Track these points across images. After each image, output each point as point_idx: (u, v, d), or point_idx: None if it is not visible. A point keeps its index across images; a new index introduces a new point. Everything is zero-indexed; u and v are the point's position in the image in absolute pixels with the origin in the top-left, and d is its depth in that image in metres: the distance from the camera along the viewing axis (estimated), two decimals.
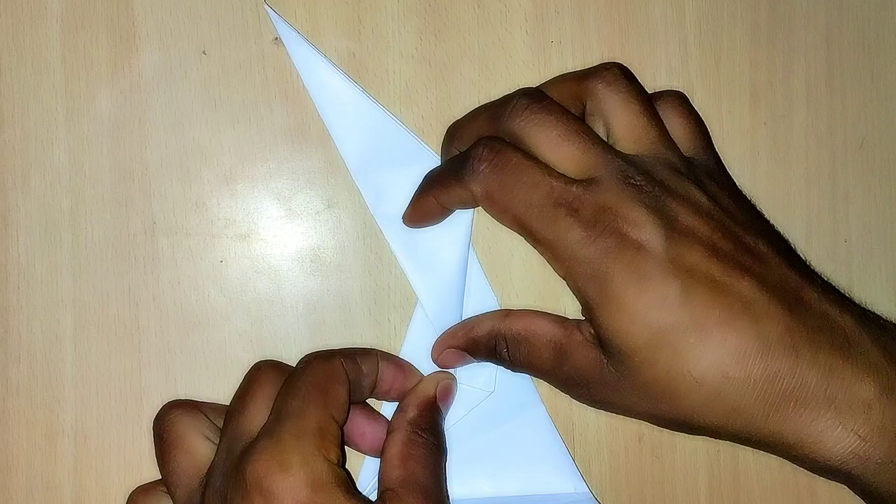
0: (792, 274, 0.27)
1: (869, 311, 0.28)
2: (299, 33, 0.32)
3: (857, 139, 0.35)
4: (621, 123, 0.28)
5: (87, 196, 0.32)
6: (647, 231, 0.26)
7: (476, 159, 0.28)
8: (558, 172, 0.27)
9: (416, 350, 0.32)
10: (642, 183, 0.27)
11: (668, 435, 0.34)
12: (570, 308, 0.34)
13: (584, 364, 0.28)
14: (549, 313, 0.30)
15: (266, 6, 0.32)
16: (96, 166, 0.32)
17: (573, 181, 0.27)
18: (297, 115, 0.33)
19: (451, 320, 0.32)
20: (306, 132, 0.33)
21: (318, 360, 0.28)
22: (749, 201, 0.30)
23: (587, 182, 0.27)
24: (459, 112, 0.33)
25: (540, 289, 0.34)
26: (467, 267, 0.33)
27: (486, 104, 0.31)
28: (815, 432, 0.25)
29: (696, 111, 0.31)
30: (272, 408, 0.27)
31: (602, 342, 0.27)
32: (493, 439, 0.33)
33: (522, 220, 0.27)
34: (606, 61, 0.30)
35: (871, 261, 0.35)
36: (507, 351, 0.30)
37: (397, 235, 0.32)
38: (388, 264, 0.33)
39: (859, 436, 0.25)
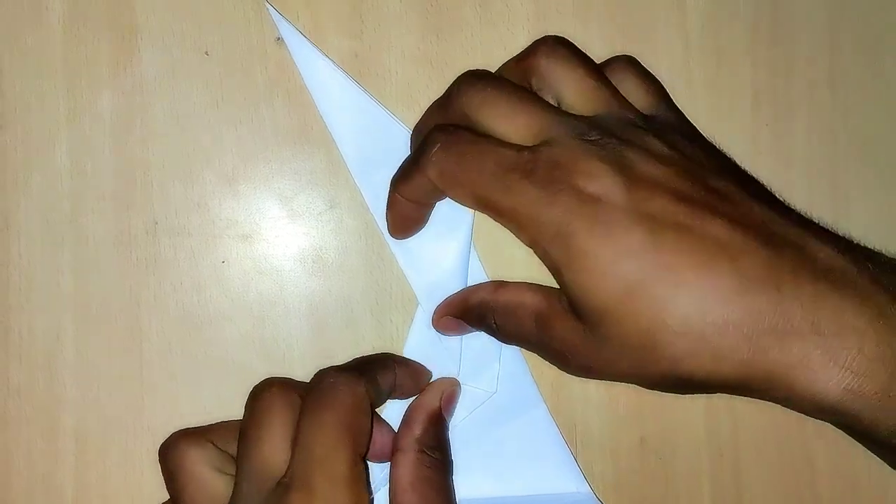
0: (765, 210, 0.26)
1: (854, 241, 0.27)
2: (301, 33, 0.32)
3: (858, 139, 0.35)
4: (570, 90, 0.27)
5: (89, 196, 0.32)
6: (605, 182, 0.25)
7: (428, 144, 0.27)
8: (510, 143, 0.27)
9: (418, 352, 0.32)
10: (596, 137, 0.26)
11: (671, 436, 0.34)
12: None
13: (565, 332, 0.27)
14: (539, 285, 0.29)
15: (268, 5, 0.32)
16: (98, 167, 0.32)
17: (524, 147, 0.26)
18: (299, 116, 0.33)
19: None
20: (308, 133, 0.33)
21: (342, 389, 0.26)
22: (716, 148, 0.29)
23: (540, 145, 0.26)
24: None
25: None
26: (468, 269, 0.33)
27: (438, 98, 0.30)
28: (805, 369, 0.23)
29: (650, 72, 0.30)
30: (296, 442, 0.25)
31: (575, 306, 0.26)
32: (496, 440, 0.33)
33: (480, 194, 0.26)
34: (543, 35, 0.29)
35: None
36: (496, 322, 0.29)
37: (399, 244, 0.32)
38: (390, 265, 0.33)
39: (852, 370, 0.23)
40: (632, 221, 0.24)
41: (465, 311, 0.31)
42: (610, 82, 0.28)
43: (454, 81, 0.29)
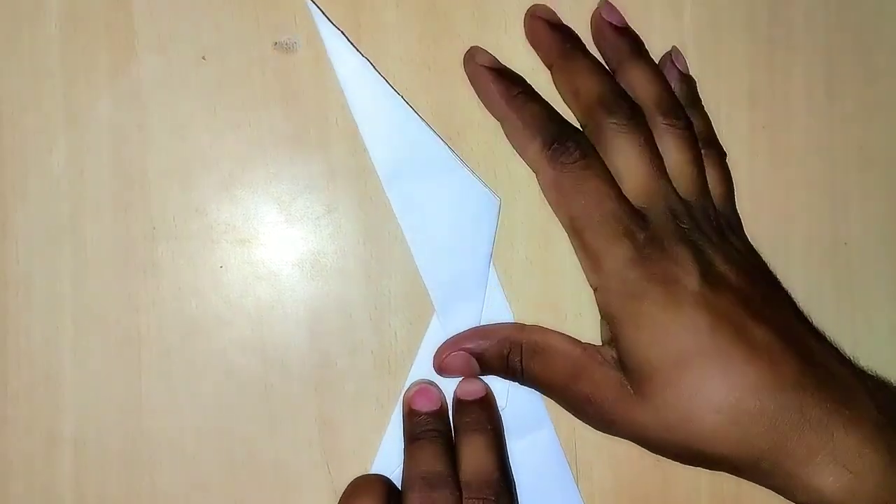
0: (800, 326, 0.30)
1: (866, 370, 0.32)
2: (339, 29, 0.32)
3: (856, 143, 0.35)
4: (676, 166, 0.31)
5: (87, 202, 0.32)
6: (687, 269, 0.29)
7: (565, 151, 0.30)
8: (621, 191, 0.30)
9: (429, 364, 0.32)
10: (688, 227, 0.30)
11: None
12: (570, 313, 0.34)
13: (601, 382, 0.29)
14: (565, 335, 0.31)
15: (309, 2, 0.31)
16: (95, 172, 0.32)
17: (634, 207, 0.29)
18: (297, 121, 0.33)
19: None
20: (306, 137, 0.33)
21: None
22: (759, 256, 0.33)
23: (644, 210, 0.30)
24: (459, 117, 0.33)
25: (540, 292, 0.34)
26: (487, 280, 0.33)
27: (599, 68, 0.32)
28: (813, 464, 0.27)
29: (698, 147, 0.32)
30: None
31: (624, 360, 0.29)
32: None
33: (580, 224, 0.29)
34: (662, 97, 0.32)
35: (871, 263, 0.35)
36: (521, 361, 0.31)
37: (421, 245, 0.32)
38: (389, 269, 0.33)
39: (851, 471, 0.27)
40: (700, 307, 0.28)
41: (484, 349, 0.31)
42: (705, 173, 0.32)
43: (618, 94, 0.31)
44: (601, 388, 0.29)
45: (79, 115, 0.32)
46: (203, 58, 0.32)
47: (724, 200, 0.33)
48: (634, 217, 0.29)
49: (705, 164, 0.32)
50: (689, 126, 0.32)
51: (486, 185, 0.33)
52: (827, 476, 0.27)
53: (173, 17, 0.32)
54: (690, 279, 0.28)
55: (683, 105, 0.32)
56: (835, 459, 0.27)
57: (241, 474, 0.33)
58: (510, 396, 0.33)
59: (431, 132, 0.32)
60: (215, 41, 0.32)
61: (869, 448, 0.27)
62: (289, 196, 0.33)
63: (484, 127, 0.33)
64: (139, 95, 0.32)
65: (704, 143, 0.33)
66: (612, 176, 0.30)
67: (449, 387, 0.33)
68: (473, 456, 0.31)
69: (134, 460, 0.32)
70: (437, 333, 0.33)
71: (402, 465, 0.31)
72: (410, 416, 0.32)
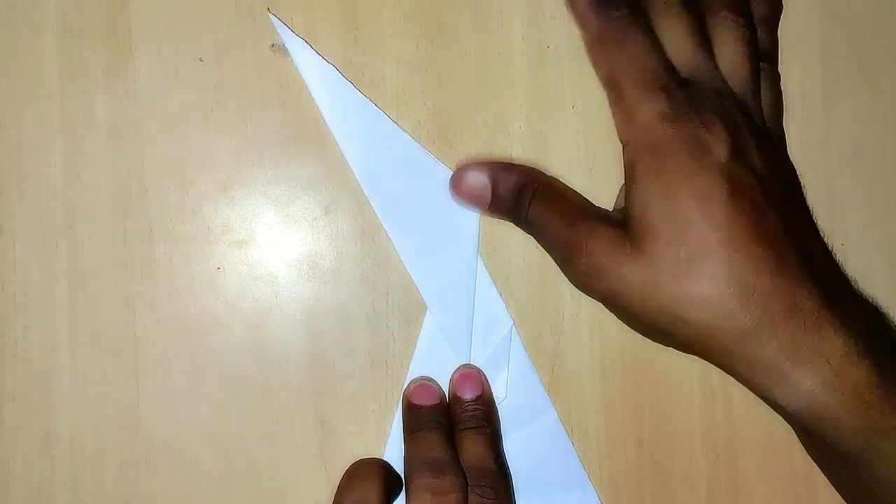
0: (810, 231, 0.30)
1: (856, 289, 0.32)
2: (304, 40, 0.32)
3: (852, 145, 0.35)
4: (729, 58, 0.30)
5: (84, 204, 0.32)
6: (720, 140, 0.28)
7: (614, 3, 0.29)
8: (665, 54, 0.29)
9: (427, 359, 0.33)
10: (729, 106, 0.29)
11: (668, 438, 0.34)
12: (567, 314, 0.34)
13: (598, 232, 0.29)
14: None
15: (270, 14, 0.32)
16: (92, 174, 0.32)
17: (675, 70, 0.29)
18: (294, 122, 0.33)
19: (461, 330, 0.32)
20: (303, 139, 0.33)
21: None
22: (794, 168, 0.33)
23: (687, 79, 0.29)
24: (457, 119, 0.33)
25: (540, 291, 0.34)
26: (476, 275, 0.33)
27: None
28: (796, 353, 0.27)
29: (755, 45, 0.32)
30: None
31: (631, 213, 0.29)
32: (506, 447, 0.33)
33: (619, 75, 0.29)
34: None
35: (868, 264, 0.35)
36: (532, 198, 0.31)
37: (407, 245, 0.32)
38: (387, 270, 0.33)
39: (832, 367, 0.27)
40: (721, 177, 0.28)
41: (506, 178, 0.31)
42: (758, 68, 0.31)
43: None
44: (595, 237, 0.29)
45: (76, 116, 0.32)
46: (200, 59, 0.32)
47: (774, 113, 0.32)
48: (675, 76, 0.29)
49: (761, 76, 0.32)
50: (752, 28, 0.31)
51: None
52: (808, 368, 0.27)
53: (170, 19, 0.32)
54: (720, 150, 0.28)
55: (757, 20, 0.32)
56: (818, 353, 0.27)
57: (239, 475, 0.33)
58: (510, 387, 0.33)
59: (404, 133, 0.32)
60: (212, 43, 0.32)
61: (853, 349, 0.27)
62: (286, 197, 0.33)
63: (481, 128, 0.33)
64: (136, 97, 0.32)
65: (764, 57, 0.32)
66: (657, 38, 0.29)
67: (447, 383, 0.33)
68: (471, 450, 0.31)
69: (130, 462, 0.32)
70: (431, 332, 0.33)
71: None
72: (410, 410, 0.32)
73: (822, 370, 0.27)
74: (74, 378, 0.32)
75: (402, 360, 0.33)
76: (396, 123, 0.33)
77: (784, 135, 0.33)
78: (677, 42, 0.30)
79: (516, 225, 0.32)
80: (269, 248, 0.33)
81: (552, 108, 0.34)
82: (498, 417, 0.33)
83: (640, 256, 0.28)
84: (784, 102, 0.33)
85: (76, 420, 0.32)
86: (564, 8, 0.34)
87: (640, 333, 0.30)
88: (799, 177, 0.33)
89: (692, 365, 0.31)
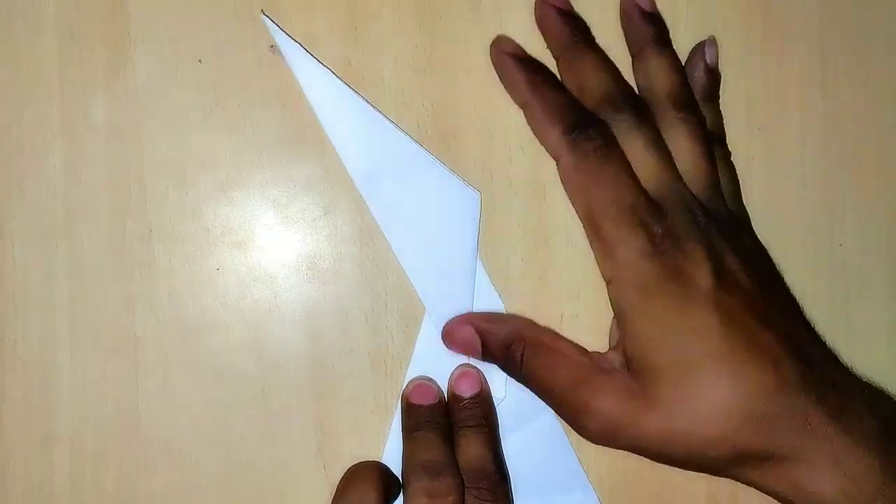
0: (804, 331, 0.30)
1: (862, 378, 0.31)
2: (298, 42, 0.32)
3: (851, 143, 0.35)
4: (688, 160, 0.31)
5: (83, 204, 0.32)
6: (700, 267, 0.28)
7: (587, 138, 0.29)
8: (639, 182, 0.29)
9: (426, 360, 0.33)
10: (702, 222, 0.29)
11: None
12: (567, 315, 0.34)
13: (606, 388, 0.29)
14: (574, 342, 0.31)
15: (263, 15, 0.32)
16: (92, 174, 0.32)
17: (651, 199, 0.29)
18: (293, 123, 0.33)
19: None
20: (303, 139, 0.33)
21: None
22: (769, 257, 0.33)
23: (660, 202, 0.29)
24: (455, 120, 0.33)
25: (536, 294, 0.34)
26: (475, 276, 0.33)
27: (605, 64, 0.32)
28: (813, 468, 0.28)
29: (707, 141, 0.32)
30: None
31: (631, 359, 0.29)
32: (505, 447, 0.33)
33: (597, 213, 0.29)
34: (677, 91, 0.31)
35: (866, 264, 0.35)
36: (523, 355, 0.31)
37: (404, 247, 0.32)
38: (386, 271, 0.33)
39: (848, 476, 0.27)
40: (711, 307, 0.28)
41: (492, 333, 0.31)
42: (717, 169, 0.31)
43: (622, 89, 0.31)
44: (604, 395, 0.29)
45: (75, 117, 0.32)
46: (199, 60, 0.32)
47: (734, 197, 0.33)
48: (651, 209, 0.29)
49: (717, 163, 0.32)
50: (701, 122, 0.31)
51: (464, 182, 0.33)
52: (826, 480, 0.27)
53: (170, 19, 0.32)
54: (704, 277, 0.28)
55: (699, 98, 0.32)
56: (834, 464, 0.27)
57: (238, 476, 0.33)
58: (509, 386, 0.33)
59: (402, 133, 0.32)
60: (212, 44, 0.32)
61: (866, 453, 0.27)
62: (285, 198, 0.33)
63: (481, 129, 0.33)
64: (136, 97, 0.32)
65: (714, 138, 0.33)
66: (630, 166, 0.30)
67: (446, 383, 0.33)
68: (469, 450, 0.31)
69: (130, 462, 0.32)
70: (430, 333, 0.33)
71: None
72: (409, 409, 0.32)
73: (838, 479, 0.27)
74: (74, 378, 0.32)
75: (401, 360, 0.33)
76: (393, 123, 0.32)
77: (745, 210, 0.33)
78: (645, 164, 0.30)
79: (516, 380, 0.32)
80: (269, 249, 0.33)
81: None
82: (496, 416, 0.33)
83: (652, 407, 0.28)
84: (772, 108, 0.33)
85: (76, 420, 0.32)
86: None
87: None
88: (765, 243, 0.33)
89: None
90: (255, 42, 0.32)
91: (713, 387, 0.28)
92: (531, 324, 0.32)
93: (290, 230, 0.33)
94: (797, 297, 0.33)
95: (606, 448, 0.34)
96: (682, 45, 0.34)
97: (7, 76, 0.32)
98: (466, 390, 0.32)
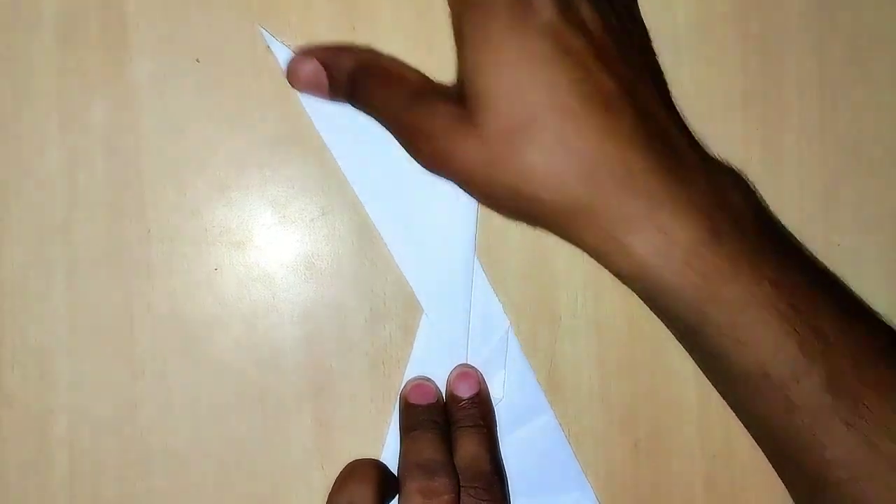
0: (656, 101, 0.28)
1: (720, 160, 0.31)
2: (293, 52, 0.32)
3: (849, 143, 0.35)
4: None
5: (81, 204, 0.32)
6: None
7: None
8: None
9: (424, 360, 0.33)
10: None
11: (665, 439, 0.34)
12: (565, 315, 0.34)
13: (437, 111, 0.28)
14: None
15: (259, 27, 0.32)
16: (90, 175, 0.32)
17: None
18: (291, 123, 0.33)
19: (458, 330, 0.32)
20: (301, 139, 0.33)
21: None
22: (644, 29, 0.31)
23: None
24: None
25: (537, 292, 0.34)
26: (473, 276, 0.33)
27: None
28: (628, 222, 0.26)
29: None
30: None
31: (463, 83, 0.27)
32: (503, 445, 0.33)
33: None
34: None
35: (863, 264, 0.35)
36: (369, 81, 0.30)
37: (402, 249, 0.32)
38: (384, 271, 0.33)
39: (665, 234, 0.26)
40: (547, 38, 0.26)
41: (337, 65, 0.30)
42: None
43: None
44: (435, 118, 0.27)
45: (73, 117, 0.32)
46: (197, 60, 0.32)
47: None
48: None
49: None
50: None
51: None
52: (640, 237, 0.26)
53: (167, 19, 0.32)
54: (545, 7, 0.26)
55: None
56: (650, 220, 0.26)
57: (236, 475, 0.33)
58: (507, 388, 0.33)
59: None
60: (209, 43, 0.32)
61: (690, 219, 0.26)
62: (283, 198, 0.33)
63: None
64: (133, 97, 0.32)
65: None
66: None
67: (444, 383, 0.33)
68: (466, 450, 0.31)
69: (128, 462, 0.32)
70: (428, 333, 0.33)
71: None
72: (407, 409, 0.32)
73: (653, 238, 0.26)
74: (72, 379, 0.32)
75: (399, 360, 0.33)
76: None
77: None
78: None
79: (359, 109, 0.30)
80: (267, 249, 0.33)
81: None
82: (495, 417, 0.33)
83: (477, 132, 0.26)
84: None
85: (73, 420, 0.32)
86: None
87: (500, 215, 0.29)
88: (652, 38, 0.32)
89: (689, 365, 0.31)
90: (252, 42, 0.32)
91: (534, 117, 0.26)
92: (375, 52, 0.31)
93: (289, 230, 0.33)
94: None
95: (603, 448, 0.34)
96: (682, 45, 0.34)
97: (5, 77, 0.32)
98: (465, 391, 0.32)
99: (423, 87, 0.29)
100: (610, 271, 0.27)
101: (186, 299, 0.32)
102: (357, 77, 0.30)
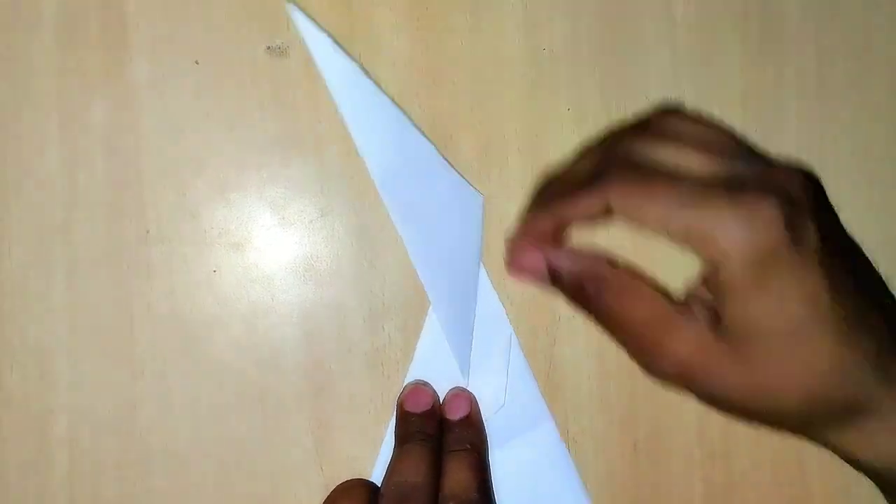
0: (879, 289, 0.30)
1: None
2: (326, 33, 0.31)
3: (847, 143, 0.35)
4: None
5: (81, 205, 0.32)
6: (808, 228, 0.27)
7: (606, 174, 0.28)
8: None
9: (427, 363, 0.33)
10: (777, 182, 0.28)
11: (664, 440, 0.34)
12: (563, 315, 0.34)
13: (688, 333, 0.28)
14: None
15: (289, 3, 0.30)
16: (90, 176, 0.32)
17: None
18: (290, 124, 0.33)
19: (463, 331, 0.33)
20: (300, 141, 0.33)
21: None
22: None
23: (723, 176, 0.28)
24: (452, 120, 0.33)
25: (535, 293, 0.34)
26: (479, 271, 0.33)
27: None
28: (887, 421, 0.28)
29: None
30: None
31: (732, 320, 0.28)
32: (503, 453, 0.33)
33: (667, 214, 0.27)
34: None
35: None
36: (599, 291, 0.29)
37: (416, 246, 0.32)
38: (383, 272, 0.33)
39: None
40: (823, 271, 0.27)
41: (569, 269, 0.30)
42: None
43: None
44: (684, 339, 0.28)
45: (73, 118, 0.32)
46: (196, 62, 0.32)
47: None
48: (718, 182, 0.28)
49: None
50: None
51: (470, 184, 0.33)
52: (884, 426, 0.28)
53: (166, 20, 0.32)
54: (811, 235, 0.27)
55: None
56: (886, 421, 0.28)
57: (235, 477, 0.33)
58: (511, 393, 0.33)
59: (420, 134, 0.32)
60: (208, 45, 0.32)
61: None
62: (282, 199, 0.33)
63: (477, 130, 0.33)
64: (133, 99, 0.32)
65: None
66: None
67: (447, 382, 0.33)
68: (454, 475, 0.30)
69: (128, 463, 0.32)
70: (430, 335, 0.33)
71: None
72: (402, 417, 0.32)
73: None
74: (71, 379, 0.32)
75: (398, 361, 0.33)
76: (417, 126, 0.32)
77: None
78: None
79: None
80: (266, 250, 0.33)
81: (547, 110, 0.34)
82: (486, 439, 0.32)
83: (741, 361, 0.27)
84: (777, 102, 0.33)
85: (73, 421, 0.32)
86: (560, 10, 0.34)
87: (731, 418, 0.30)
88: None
89: None
90: (252, 43, 0.32)
91: (816, 350, 0.27)
92: (606, 262, 0.30)
93: (288, 231, 0.33)
94: None
95: (604, 447, 0.34)
96: (681, 45, 0.34)
97: (5, 78, 0.32)
98: (456, 413, 0.32)
99: (666, 307, 0.29)
100: (852, 464, 0.29)
101: (186, 300, 0.32)
102: (587, 285, 0.29)
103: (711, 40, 0.35)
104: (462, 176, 0.33)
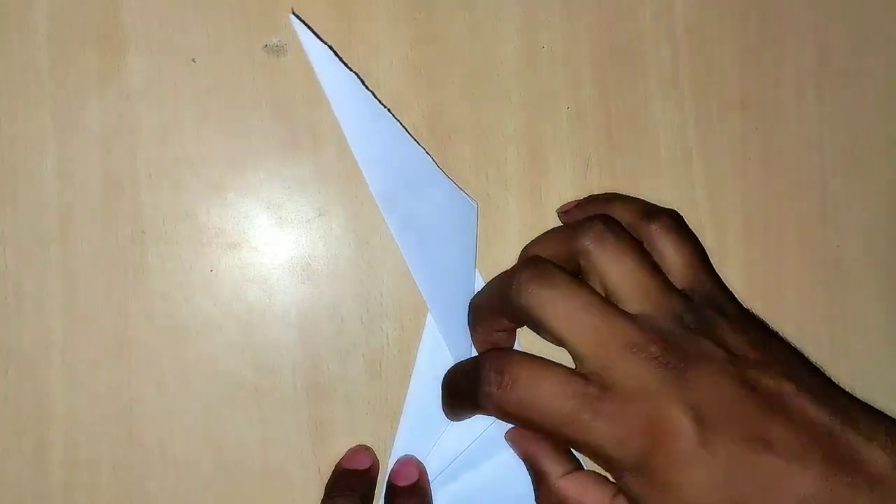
0: (819, 413, 0.26)
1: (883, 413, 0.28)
2: (327, 44, 0.30)
3: (847, 144, 0.35)
4: (618, 283, 0.28)
5: (77, 206, 0.32)
6: (675, 416, 0.25)
7: (485, 369, 0.28)
8: (572, 370, 0.27)
9: (429, 367, 0.33)
10: (656, 353, 0.26)
11: None
12: None
13: None
14: (603, 477, 0.28)
15: (292, 15, 0.29)
16: (85, 176, 0.32)
17: (588, 378, 0.27)
18: (287, 124, 0.32)
19: (462, 336, 0.32)
20: (297, 141, 0.33)
21: None
22: (756, 319, 0.30)
23: (602, 371, 0.26)
24: (450, 121, 0.33)
25: None
26: (475, 283, 0.33)
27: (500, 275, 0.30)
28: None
29: (690, 232, 0.30)
30: None
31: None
32: (492, 465, 0.33)
33: (551, 428, 0.27)
34: (590, 215, 0.30)
35: (863, 265, 0.35)
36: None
37: (415, 258, 0.32)
38: (380, 272, 0.33)
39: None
40: (706, 458, 0.25)
41: (530, 462, 0.30)
42: (656, 268, 0.28)
43: (514, 272, 0.28)
44: None
45: (68, 118, 0.32)
46: (193, 60, 0.32)
47: (692, 272, 0.29)
48: (595, 391, 0.26)
49: (653, 241, 0.29)
50: (612, 230, 0.29)
51: (464, 192, 0.33)
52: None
53: (162, 20, 0.32)
54: (684, 426, 0.25)
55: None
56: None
57: (232, 478, 0.32)
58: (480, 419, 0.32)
59: (416, 144, 0.32)
60: (205, 44, 0.32)
61: None
62: (279, 199, 0.33)
63: (473, 131, 0.33)
64: (129, 99, 0.32)
65: (648, 214, 0.30)
66: (546, 362, 0.28)
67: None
68: None
69: (124, 465, 0.32)
70: (431, 337, 0.33)
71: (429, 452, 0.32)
72: (334, 472, 0.32)
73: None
74: (67, 381, 0.32)
75: (396, 362, 0.33)
76: (411, 135, 0.32)
77: (711, 269, 0.30)
78: (570, 315, 0.27)
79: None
80: (263, 251, 0.33)
81: (546, 110, 0.34)
82: None
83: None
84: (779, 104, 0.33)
85: (69, 423, 0.32)
86: (559, 9, 0.34)
87: None
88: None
89: None
90: (249, 43, 0.32)
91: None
92: (563, 473, 0.29)
93: (285, 231, 0.33)
94: (795, 298, 0.33)
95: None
96: (681, 45, 0.34)
97: (0, 78, 0.32)
98: (402, 479, 0.32)
99: None
100: None
101: (182, 301, 0.32)
102: (544, 491, 0.29)
103: (711, 40, 0.35)
104: (456, 184, 0.33)
